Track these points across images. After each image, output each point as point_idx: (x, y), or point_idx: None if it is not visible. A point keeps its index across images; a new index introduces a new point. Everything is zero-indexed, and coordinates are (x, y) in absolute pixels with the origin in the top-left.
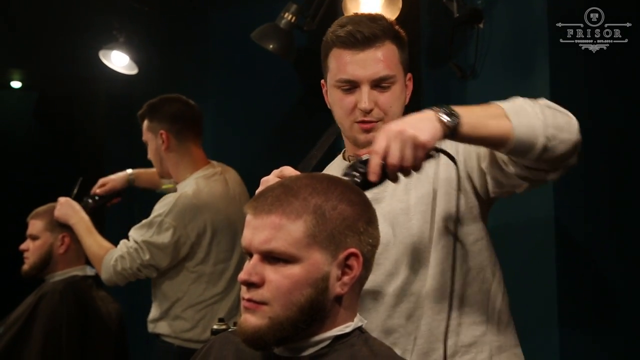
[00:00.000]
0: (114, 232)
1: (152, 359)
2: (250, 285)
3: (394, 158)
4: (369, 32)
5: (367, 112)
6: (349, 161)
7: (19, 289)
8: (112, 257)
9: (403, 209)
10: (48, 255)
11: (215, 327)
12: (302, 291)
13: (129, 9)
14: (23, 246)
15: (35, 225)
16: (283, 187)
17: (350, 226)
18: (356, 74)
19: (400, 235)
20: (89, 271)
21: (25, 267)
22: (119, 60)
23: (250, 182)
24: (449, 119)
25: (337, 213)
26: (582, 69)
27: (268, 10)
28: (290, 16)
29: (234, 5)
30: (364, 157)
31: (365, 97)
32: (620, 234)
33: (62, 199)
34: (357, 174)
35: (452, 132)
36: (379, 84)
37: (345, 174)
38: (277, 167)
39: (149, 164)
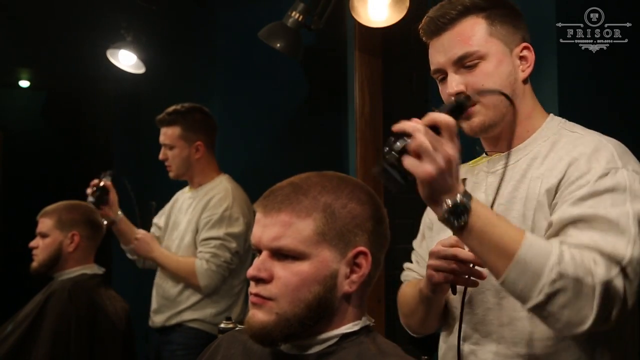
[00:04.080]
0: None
1: (168, 349)
2: (259, 280)
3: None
4: (442, 15)
5: None
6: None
7: (28, 286)
8: (202, 263)
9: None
10: (57, 253)
11: (222, 325)
12: (310, 288)
13: (136, 8)
14: (32, 243)
15: (44, 223)
16: (293, 186)
17: (360, 225)
18: (437, 61)
19: None
20: (98, 269)
21: (34, 264)
22: (126, 60)
23: (257, 179)
24: (455, 219)
25: (347, 211)
26: (583, 68)
27: (275, 9)
28: (297, 15)
29: (241, 4)
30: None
31: (449, 82)
32: None
33: (140, 236)
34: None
35: (455, 225)
36: (463, 65)
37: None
38: (284, 166)
39: (158, 161)
